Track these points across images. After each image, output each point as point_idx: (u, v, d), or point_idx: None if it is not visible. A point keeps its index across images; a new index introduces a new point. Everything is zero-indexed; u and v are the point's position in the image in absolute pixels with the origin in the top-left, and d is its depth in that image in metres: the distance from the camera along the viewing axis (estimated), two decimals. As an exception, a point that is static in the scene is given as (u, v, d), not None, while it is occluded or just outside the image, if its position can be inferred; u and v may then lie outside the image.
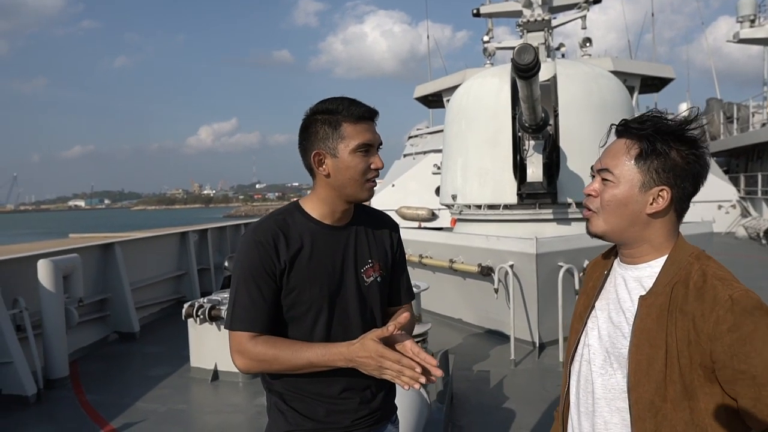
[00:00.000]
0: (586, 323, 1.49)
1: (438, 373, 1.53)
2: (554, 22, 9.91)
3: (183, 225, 12.18)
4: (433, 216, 13.69)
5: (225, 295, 5.79)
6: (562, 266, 5.84)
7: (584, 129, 7.47)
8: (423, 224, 13.04)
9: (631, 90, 17.36)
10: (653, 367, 1.29)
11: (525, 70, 5.39)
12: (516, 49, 5.35)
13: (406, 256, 2.04)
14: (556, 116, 7.44)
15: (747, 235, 17.27)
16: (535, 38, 8.84)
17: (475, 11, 12.60)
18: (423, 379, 1.51)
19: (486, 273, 6.31)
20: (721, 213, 18.48)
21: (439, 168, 10.28)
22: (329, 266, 1.71)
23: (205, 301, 5.58)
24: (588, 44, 18.39)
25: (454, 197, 8.35)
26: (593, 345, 1.44)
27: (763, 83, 27.23)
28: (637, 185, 1.35)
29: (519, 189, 7.49)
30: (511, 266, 6.04)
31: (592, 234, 1.43)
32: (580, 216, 7.59)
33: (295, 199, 1.86)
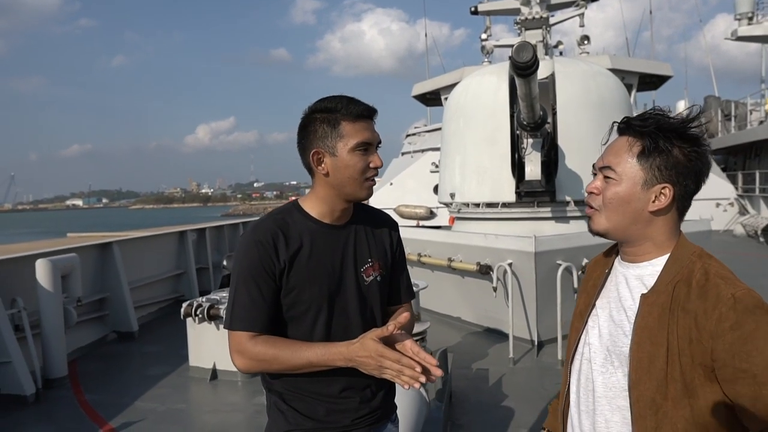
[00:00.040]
0: (586, 322, 1.48)
1: (438, 372, 1.52)
2: (552, 20, 9.90)
3: (181, 224, 12.16)
4: (431, 214, 13.67)
5: (223, 294, 5.78)
6: (560, 264, 5.84)
7: (582, 127, 7.47)
8: (421, 223, 13.04)
9: (629, 88, 17.35)
10: (654, 365, 1.29)
11: (524, 68, 5.38)
12: (515, 47, 5.35)
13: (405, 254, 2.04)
14: (554, 114, 7.44)
15: (745, 232, 17.29)
16: (533, 36, 8.83)
17: (473, 9, 12.58)
18: (423, 379, 1.50)
19: (485, 271, 6.31)
20: (719, 211, 18.50)
21: (437, 166, 10.29)
22: (329, 265, 1.71)
23: (204, 300, 5.58)
24: (586, 42, 18.40)
25: (452, 195, 8.34)
26: (594, 343, 1.44)
27: (760, 81, 27.25)
28: (640, 183, 1.35)
29: (517, 187, 7.49)
30: (510, 265, 6.05)
31: (594, 232, 1.43)
32: (578, 214, 7.59)
33: (293, 198, 1.85)
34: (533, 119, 6.68)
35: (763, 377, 1.19)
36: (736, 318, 1.22)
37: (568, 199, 7.50)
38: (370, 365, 1.54)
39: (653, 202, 1.35)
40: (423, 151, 19.47)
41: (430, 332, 4.93)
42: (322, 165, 1.68)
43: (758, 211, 19.31)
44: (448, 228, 9.61)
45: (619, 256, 1.49)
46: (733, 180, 21.21)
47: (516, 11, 9.91)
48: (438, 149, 10.88)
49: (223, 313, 5.30)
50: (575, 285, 5.87)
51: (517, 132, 7.46)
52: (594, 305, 1.48)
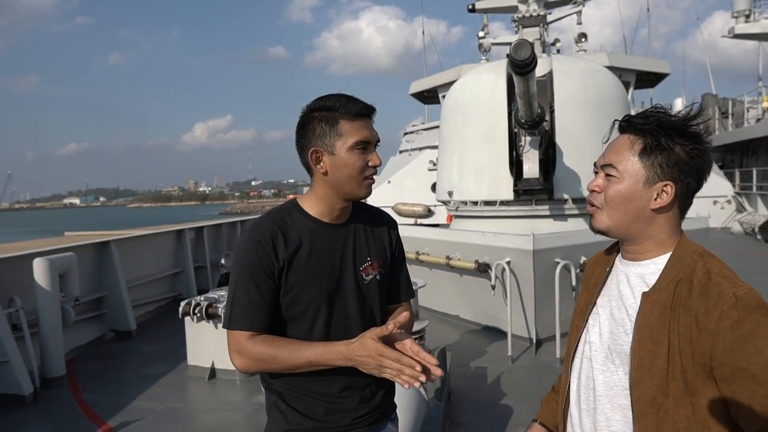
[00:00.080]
0: (587, 320, 1.48)
1: (438, 372, 1.52)
2: (549, 18, 9.90)
3: (179, 222, 12.14)
4: (429, 212, 13.68)
5: (221, 292, 5.78)
6: (559, 262, 5.84)
7: (580, 125, 7.47)
8: (419, 221, 13.05)
9: (626, 85, 17.36)
10: (655, 363, 1.28)
11: (522, 66, 5.38)
12: (513, 44, 5.34)
13: None
14: (552, 112, 7.44)
15: (742, 230, 17.32)
16: (531, 34, 8.83)
17: (470, 7, 12.58)
18: (423, 378, 1.50)
19: (483, 269, 6.31)
20: (717, 208, 18.55)
21: (435, 164, 10.29)
22: (328, 264, 1.70)
23: (202, 299, 5.57)
24: (583, 40, 18.36)
25: (450, 193, 8.34)
26: (594, 342, 1.44)
27: (757, 78, 27.27)
28: (641, 180, 1.34)
29: (515, 185, 7.50)
30: (508, 263, 6.05)
31: (595, 230, 1.43)
32: (576, 212, 7.60)
33: (291, 197, 1.85)
34: (531, 117, 6.68)
35: (762, 377, 1.19)
36: (738, 316, 1.22)
37: (566, 196, 7.50)
38: (369, 364, 1.53)
39: (655, 199, 1.34)
40: (421, 149, 19.45)
41: (428, 330, 4.93)
42: (321, 164, 1.67)
43: (755, 208, 19.35)
44: (446, 226, 9.61)
45: (620, 255, 1.48)
46: (730, 177, 21.25)
47: (513, 9, 9.91)
48: (436, 147, 10.87)
49: (221, 311, 5.29)
50: (573, 283, 5.88)
51: (515, 130, 7.46)
52: (595, 303, 1.48)
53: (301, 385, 1.69)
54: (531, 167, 7.33)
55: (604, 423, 1.39)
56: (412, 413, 3.33)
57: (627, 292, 1.40)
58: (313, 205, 1.74)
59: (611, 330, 1.41)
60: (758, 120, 23.13)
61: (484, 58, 16.24)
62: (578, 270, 5.90)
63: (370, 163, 1.68)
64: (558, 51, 17.43)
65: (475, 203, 7.99)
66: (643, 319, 1.32)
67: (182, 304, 5.59)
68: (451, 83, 10.52)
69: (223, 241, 11.27)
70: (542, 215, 7.64)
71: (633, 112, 1.42)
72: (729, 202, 19.26)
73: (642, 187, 1.34)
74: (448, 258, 6.88)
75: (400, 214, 12.89)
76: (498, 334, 6.55)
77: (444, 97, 10.25)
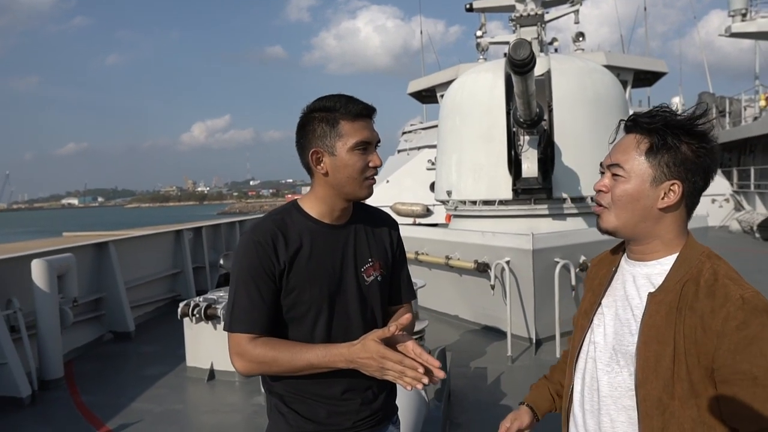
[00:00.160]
0: (592, 320, 1.48)
1: (441, 374, 1.51)
2: (547, 17, 9.91)
3: (177, 222, 12.11)
4: (428, 212, 13.69)
5: (220, 293, 5.76)
6: (558, 262, 5.83)
7: (579, 124, 7.47)
8: (418, 220, 13.05)
9: (624, 84, 17.35)
10: (661, 364, 1.28)
11: (521, 65, 5.37)
12: (512, 44, 5.33)
13: None
14: (550, 111, 7.44)
15: (740, 228, 17.35)
16: (528, 33, 8.83)
17: (468, 6, 12.56)
18: (426, 380, 1.49)
19: (482, 269, 6.30)
20: (715, 207, 18.58)
21: (433, 164, 10.29)
22: (329, 266, 1.69)
23: (201, 300, 5.55)
24: (581, 39, 18.41)
25: (449, 193, 8.34)
26: (599, 342, 1.44)
27: (754, 77, 27.33)
28: (648, 180, 1.34)
29: (514, 184, 7.50)
30: (508, 262, 6.04)
31: (602, 230, 1.42)
32: (575, 211, 7.60)
33: (289, 196, 1.84)
34: (530, 116, 6.68)
35: (763, 379, 1.19)
36: (744, 318, 1.21)
37: (564, 196, 7.50)
38: (371, 367, 1.52)
39: (662, 198, 1.34)
40: (419, 148, 19.45)
41: (427, 331, 4.92)
42: (321, 164, 1.66)
43: (753, 206, 19.39)
44: (445, 226, 9.60)
45: (625, 255, 1.48)
46: (728, 176, 21.29)
47: (511, 8, 9.90)
48: (434, 146, 10.86)
49: (220, 312, 5.28)
50: (573, 282, 5.87)
51: (514, 129, 7.45)
52: (600, 304, 1.48)
53: (303, 387, 1.68)
54: (530, 166, 7.33)
55: (609, 424, 1.39)
56: (412, 414, 3.32)
57: (633, 293, 1.40)
58: (314, 206, 1.73)
59: (616, 330, 1.40)
60: (755, 118, 23.16)
61: (482, 57, 16.25)
62: (578, 269, 5.89)
63: (370, 164, 1.67)
64: (556, 50, 17.42)
65: (474, 203, 7.98)
66: (649, 319, 1.32)
67: (181, 305, 5.56)
68: (449, 83, 10.52)
69: (222, 241, 11.24)
70: (541, 214, 7.64)
71: (631, 111, 1.42)
72: (727, 200, 19.30)
73: (649, 186, 1.34)
74: (447, 258, 6.87)
75: (398, 213, 12.89)
76: (497, 334, 6.54)
77: (442, 96, 10.25)
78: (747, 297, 1.23)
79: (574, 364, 1.51)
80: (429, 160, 16.38)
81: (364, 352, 1.51)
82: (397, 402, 1.92)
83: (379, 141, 1.71)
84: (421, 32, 29.69)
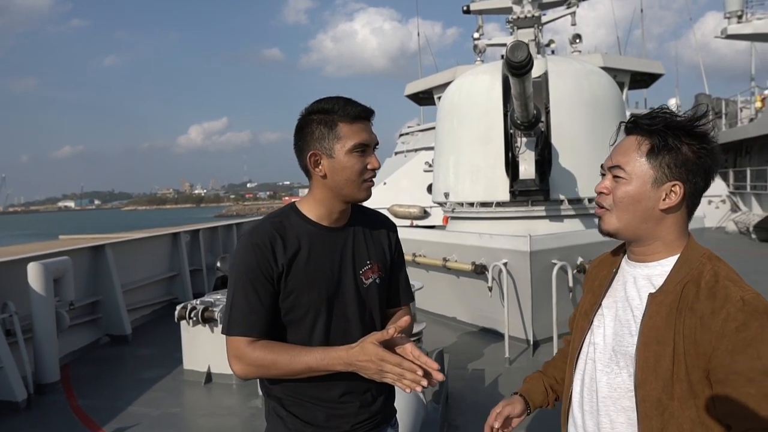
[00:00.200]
0: (592, 321, 1.48)
1: (439, 377, 1.50)
2: (544, 19, 9.92)
3: (174, 225, 12.09)
4: (425, 214, 13.68)
5: (218, 296, 5.74)
6: (555, 263, 5.83)
7: (576, 125, 7.48)
8: (415, 222, 13.04)
9: (620, 86, 17.39)
10: (660, 364, 1.28)
11: (518, 67, 5.37)
12: (509, 46, 5.33)
13: None
14: (547, 113, 7.44)
15: (737, 229, 17.41)
16: (525, 35, 8.83)
17: (465, 8, 12.58)
18: (425, 382, 1.48)
19: (480, 271, 6.30)
20: (711, 208, 18.64)
21: (431, 166, 10.29)
22: (327, 268, 1.69)
23: (198, 302, 5.53)
24: (578, 41, 18.43)
25: (446, 195, 8.33)
26: (599, 343, 1.44)
27: (750, 78, 27.42)
28: (650, 181, 1.34)
29: (511, 186, 7.49)
30: (505, 264, 6.03)
31: (604, 232, 1.42)
32: (572, 213, 7.60)
33: (286, 198, 1.83)
34: (527, 118, 6.68)
35: (758, 381, 1.19)
36: (744, 319, 1.21)
37: (561, 197, 7.50)
38: (370, 369, 1.51)
39: (663, 200, 1.34)
40: (416, 150, 19.45)
41: (425, 333, 4.91)
42: (320, 167, 1.66)
43: (750, 207, 19.45)
44: (442, 227, 9.60)
45: (626, 256, 1.48)
46: (724, 177, 21.36)
47: (508, 10, 9.91)
48: (431, 148, 10.86)
49: (217, 315, 5.26)
50: (570, 284, 5.87)
51: (511, 131, 7.45)
52: (600, 305, 1.48)
53: (301, 390, 1.67)
54: (527, 168, 7.33)
55: (608, 425, 1.39)
56: (410, 417, 3.31)
57: (633, 294, 1.40)
58: (312, 208, 1.72)
59: (616, 331, 1.40)
60: (751, 120, 23.25)
61: (479, 59, 16.27)
62: (575, 271, 5.89)
63: (369, 166, 1.67)
64: (553, 52, 17.47)
65: (472, 204, 7.98)
66: (649, 320, 1.32)
67: (178, 308, 5.55)
68: (446, 84, 10.52)
69: (219, 244, 11.22)
70: (538, 216, 7.63)
71: (628, 113, 1.42)
72: (723, 201, 19.35)
73: (650, 187, 1.34)
74: (444, 260, 6.87)
75: (396, 215, 12.88)
76: (495, 335, 6.54)
77: (439, 98, 10.27)
78: (747, 298, 1.23)
79: (573, 365, 1.51)
80: (426, 162, 16.39)
81: (362, 354, 1.51)
82: (395, 404, 1.91)
83: (377, 143, 1.70)
84: (419, 34, 29.80)
